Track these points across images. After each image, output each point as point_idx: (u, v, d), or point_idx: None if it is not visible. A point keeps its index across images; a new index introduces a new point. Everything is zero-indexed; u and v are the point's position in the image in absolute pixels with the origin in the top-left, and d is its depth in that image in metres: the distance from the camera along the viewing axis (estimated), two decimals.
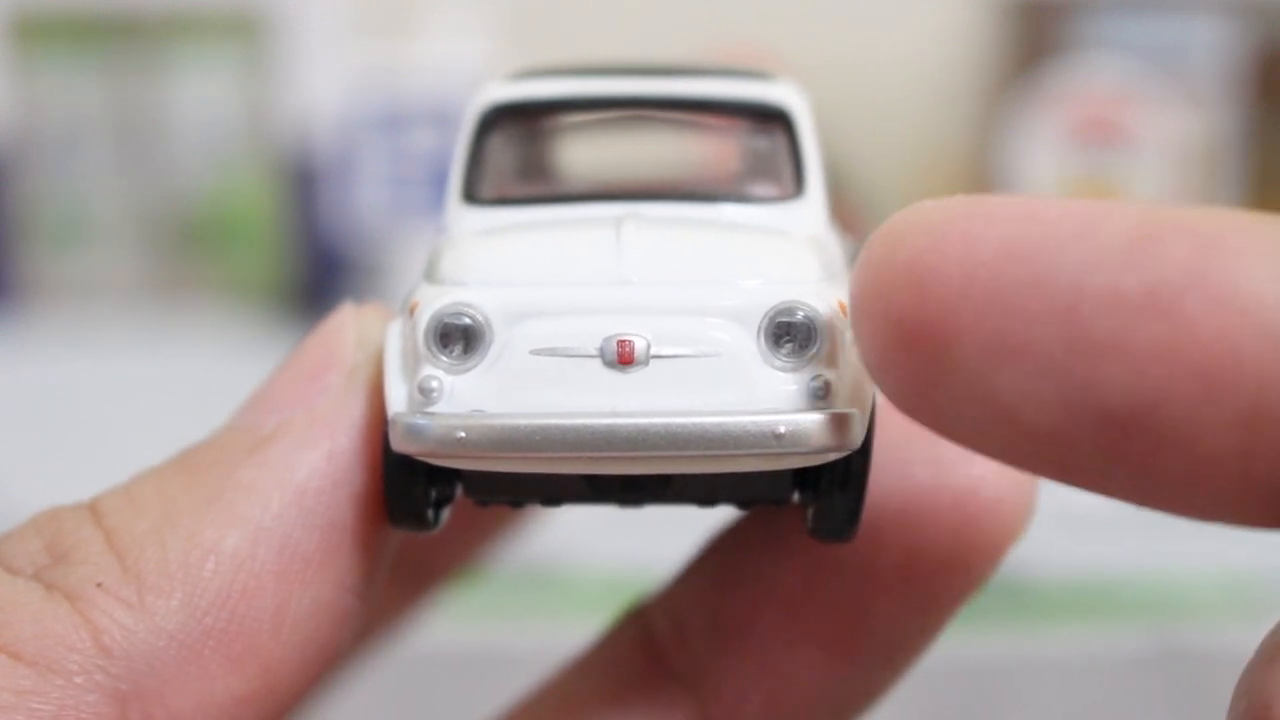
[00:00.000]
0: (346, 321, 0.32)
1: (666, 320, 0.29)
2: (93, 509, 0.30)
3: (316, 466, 0.30)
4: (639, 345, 0.29)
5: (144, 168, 1.18)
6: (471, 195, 0.33)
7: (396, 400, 0.30)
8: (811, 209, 0.34)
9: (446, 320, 0.29)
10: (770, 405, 0.29)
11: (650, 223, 0.31)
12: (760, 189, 0.35)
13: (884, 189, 1.17)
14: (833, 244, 0.33)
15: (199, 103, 1.17)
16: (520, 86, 0.35)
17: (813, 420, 0.29)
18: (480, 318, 0.29)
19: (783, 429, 0.29)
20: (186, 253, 1.19)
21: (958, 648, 0.82)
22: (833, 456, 0.29)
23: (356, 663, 0.43)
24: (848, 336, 0.30)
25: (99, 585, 0.28)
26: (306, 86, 1.13)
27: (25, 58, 1.15)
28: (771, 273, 0.30)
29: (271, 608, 0.30)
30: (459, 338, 0.29)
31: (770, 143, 0.35)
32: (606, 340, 0.29)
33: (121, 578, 0.29)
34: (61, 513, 0.30)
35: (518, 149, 0.36)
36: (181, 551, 0.29)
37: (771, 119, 0.35)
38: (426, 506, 0.31)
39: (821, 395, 0.29)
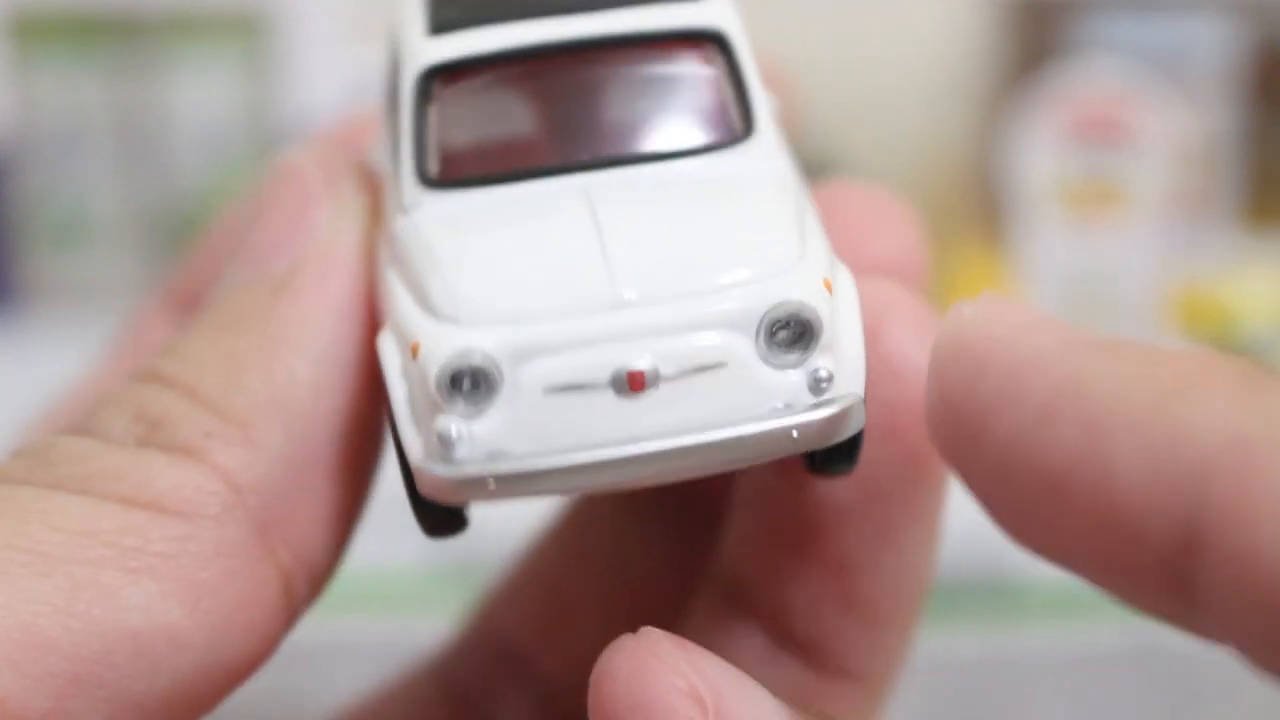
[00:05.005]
0: (305, 161, 0.35)
1: (669, 341, 0.30)
2: (158, 378, 0.32)
3: (344, 288, 0.33)
4: (648, 372, 0.30)
5: (144, 168, 1.18)
6: (425, 176, 0.33)
7: (414, 447, 0.30)
8: (764, 145, 0.34)
9: (456, 370, 0.30)
10: (779, 401, 0.30)
11: (628, 221, 0.31)
12: (708, 128, 0.34)
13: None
14: (793, 182, 0.33)
15: (199, 103, 1.17)
16: (447, 44, 0.34)
17: (824, 416, 0.30)
18: (489, 365, 0.30)
19: (797, 433, 0.30)
20: (187, 253, 1.19)
21: (953, 646, 0.82)
22: (843, 438, 0.31)
23: None
24: (837, 318, 0.31)
25: (209, 435, 0.31)
26: (306, 86, 1.13)
27: (25, 58, 1.15)
28: (758, 261, 0.31)
29: (350, 420, 0.32)
30: (470, 384, 0.30)
31: (708, 72, 0.34)
32: (616, 373, 0.29)
33: (224, 426, 0.31)
34: (124, 392, 0.32)
35: (457, 107, 0.35)
36: (265, 390, 0.31)
37: (705, 43, 0.34)
38: (459, 518, 0.32)
39: (825, 384, 0.30)
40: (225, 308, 0.33)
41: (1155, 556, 0.24)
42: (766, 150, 0.34)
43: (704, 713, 0.28)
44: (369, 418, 0.33)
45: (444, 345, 0.30)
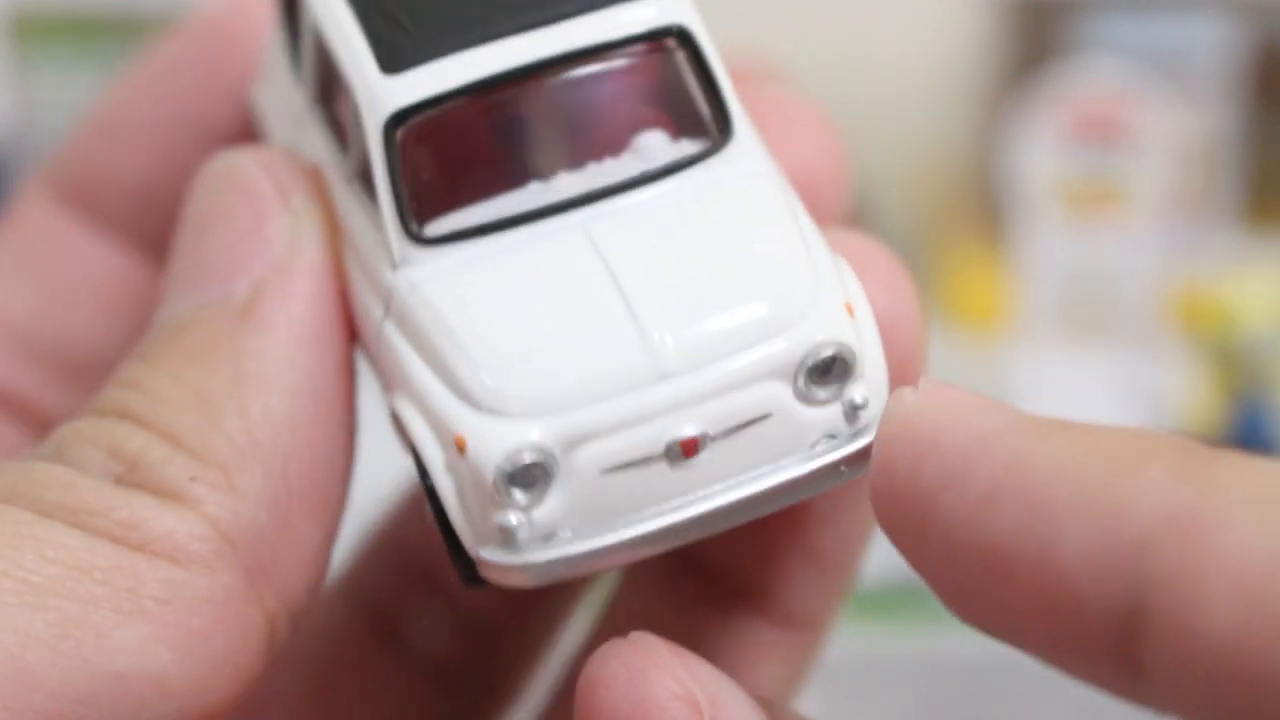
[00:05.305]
0: (250, 166, 0.34)
1: (715, 405, 0.30)
2: (128, 416, 0.31)
3: (311, 312, 0.32)
4: (699, 438, 0.30)
5: None
6: (413, 233, 0.32)
7: (469, 536, 0.30)
8: (744, 143, 0.33)
9: (512, 470, 0.29)
10: (820, 434, 0.31)
11: (643, 270, 0.31)
12: (689, 137, 0.33)
13: (884, 189, 1.17)
14: (778, 180, 0.33)
15: None
16: (408, 85, 0.32)
17: (866, 444, 0.31)
18: (544, 458, 0.30)
19: (845, 466, 0.31)
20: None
21: (953, 646, 0.82)
22: None
23: None
24: (864, 341, 0.31)
25: (192, 479, 0.30)
26: None
27: (25, 57, 1.15)
28: (781, 297, 0.31)
29: (324, 453, 0.32)
30: (526, 480, 0.30)
31: (678, 74, 0.33)
32: (670, 445, 0.30)
33: (206, 470, 0.30)
34: (92, 427, 0.31)
35: (430, 152, 0.33)
36: (242, 430, 0.31)
37: (670, 41, 0.33)
38: None
39: (861, 410, 0.31)
40: (188, 338, 0.32)
41: (1101, 632, 0.25)
42: (747, 147, 0.33)
43: (700, 719, 0.28)
44: (340, 447, 0.32)
45: (494, 444, 0.29)
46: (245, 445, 0.31)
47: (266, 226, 0.33)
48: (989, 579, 0.26)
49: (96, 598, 0.28)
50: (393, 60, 0.32)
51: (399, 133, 0.32)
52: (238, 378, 0.31)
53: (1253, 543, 0.23)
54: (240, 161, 0.34)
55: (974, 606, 0.27)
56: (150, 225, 0.39)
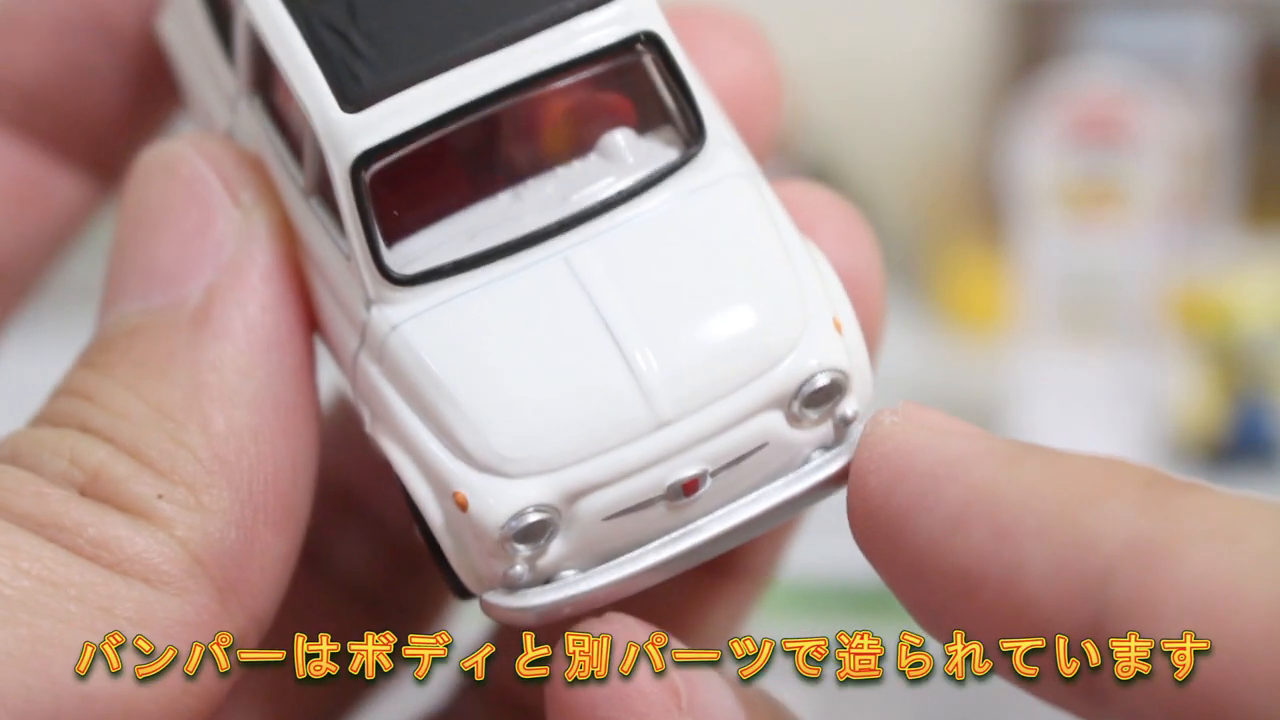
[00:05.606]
0: (193, 159, 0.32)
1: (713, 445, 0.30)
2: (87, 430, 0.31)
3: (267, 317, 0.31)
4: (699, 477, 0.30)
5: None
6: (387, 272, 0.31)
7: (472, 581, 0.31)
8: (718, 143, 0.32)
9: (516, 528, 0.30)
10: (812, 449, 0.31)
11: (632, 308, 0.30)
12: (665, 145, 0.33)
13: (884, 189, 1.17)
14: (754, 182, 0.32)
15: None
16: (373, 122, 0.31)
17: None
18: (548, 514, 0.30)
19: (838, 480, 0.31)
20: None
21: None
22: None
23: None
24: (852, 356, 0.31)
25: (160, 497, 0.30)
26: None
27: None
28: (772, 322, 0.30)
29: (288, 464, 0.31)
30: (529, 535, 0.30)
31: (650, 82, 0.33)
32: (671, 487, 0.30)
33: (173, 488, 0.30)
34: (49, 436, 0.31)
35: (399, 188, 0.32)
36: (206, 446, 0.30)
37: (640, 47, 0.32)
38: None
39: (852, 424, 0.31)
40: (141, 346, 0.31)
41: (1063, 655, 0.26)
42: (720, 145, 0.32)
43: (678, 704, 0.28)
44: (304, 453, 0.32)
45: (498, 505, 0.29)
46: (210, 461, 0.30)
47: (216, 225, 0.32)
48: (956, 599, 0.27)
49: (70, 615, 0.28)
50: (352, 94, 0.31)
51: (366, 172, 0.31)
52: (198, 390, 0.31)
53: (1208, 573, 0.24)
54: (183, 152, 0.33)
55: (942, 623, 0.28)
56: (46, 123, 0.38)
